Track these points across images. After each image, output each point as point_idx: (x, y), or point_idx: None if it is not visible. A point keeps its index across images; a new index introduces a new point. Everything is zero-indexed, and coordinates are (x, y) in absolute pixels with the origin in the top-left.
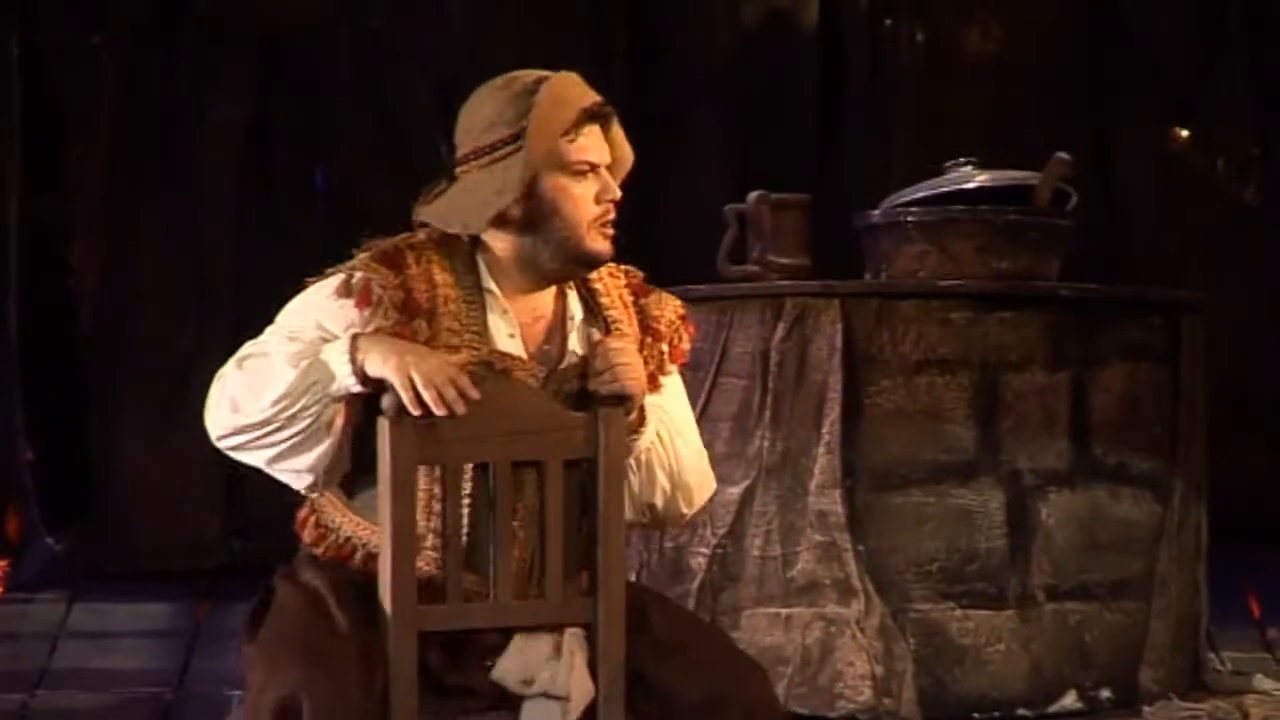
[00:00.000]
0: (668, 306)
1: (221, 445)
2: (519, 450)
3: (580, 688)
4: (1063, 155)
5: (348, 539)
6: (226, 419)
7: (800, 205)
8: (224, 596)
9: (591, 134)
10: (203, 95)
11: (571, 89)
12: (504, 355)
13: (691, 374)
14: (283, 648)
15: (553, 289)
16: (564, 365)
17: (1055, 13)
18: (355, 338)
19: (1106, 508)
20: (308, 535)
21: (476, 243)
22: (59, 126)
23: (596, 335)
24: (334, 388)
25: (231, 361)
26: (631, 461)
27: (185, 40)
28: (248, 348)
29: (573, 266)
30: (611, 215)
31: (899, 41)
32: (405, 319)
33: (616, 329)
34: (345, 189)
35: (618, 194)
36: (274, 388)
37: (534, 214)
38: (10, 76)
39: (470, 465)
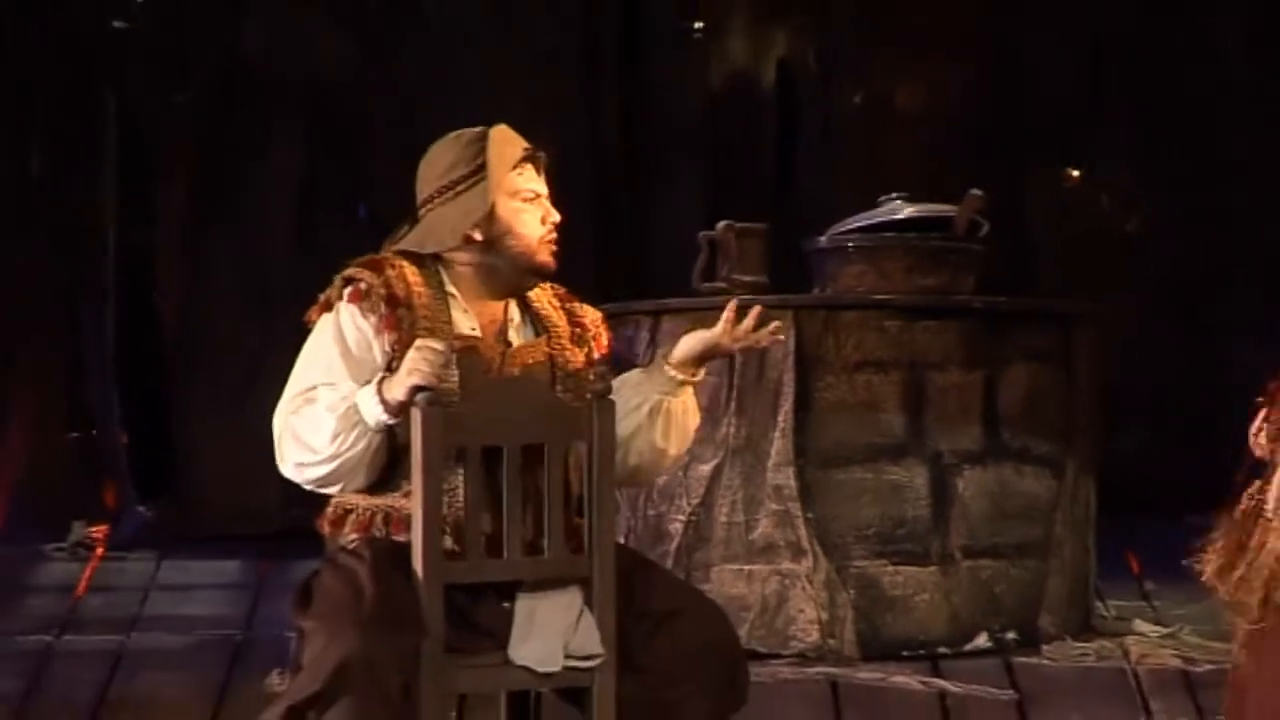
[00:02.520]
0: (590, 311)
1: (296, 476)
2: (528, 435)
3: (589, 639)
4: (976, 192)
5: (366, 511)
6: (296, 454)
7: (760, 233)
8: (283, 556)
9: (531, 171)
10: (264, 142)
11: (511, 135)
12: (469, 336)
13: None
14: (338, 619)
15: (500, 301)
16: (515, 347)
17: (972, 73)
18: (380, 381)
19: (1012, 483)
20: (331, 529)
21: (438, 261)
22: (148, 169)
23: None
24: (373, 424)
25: (284, 406)
26: (660, 410)
27: (248, 97)
28: (295, 393)
29: (526, 277)
30: (554, 235)
31: (843, 98)
32: (390, 309)
33: (549, 325)
34: (381, 217)
35: (558, 217)
36: (328, 428)
37: (493, 234)
38: (108, 128)
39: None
